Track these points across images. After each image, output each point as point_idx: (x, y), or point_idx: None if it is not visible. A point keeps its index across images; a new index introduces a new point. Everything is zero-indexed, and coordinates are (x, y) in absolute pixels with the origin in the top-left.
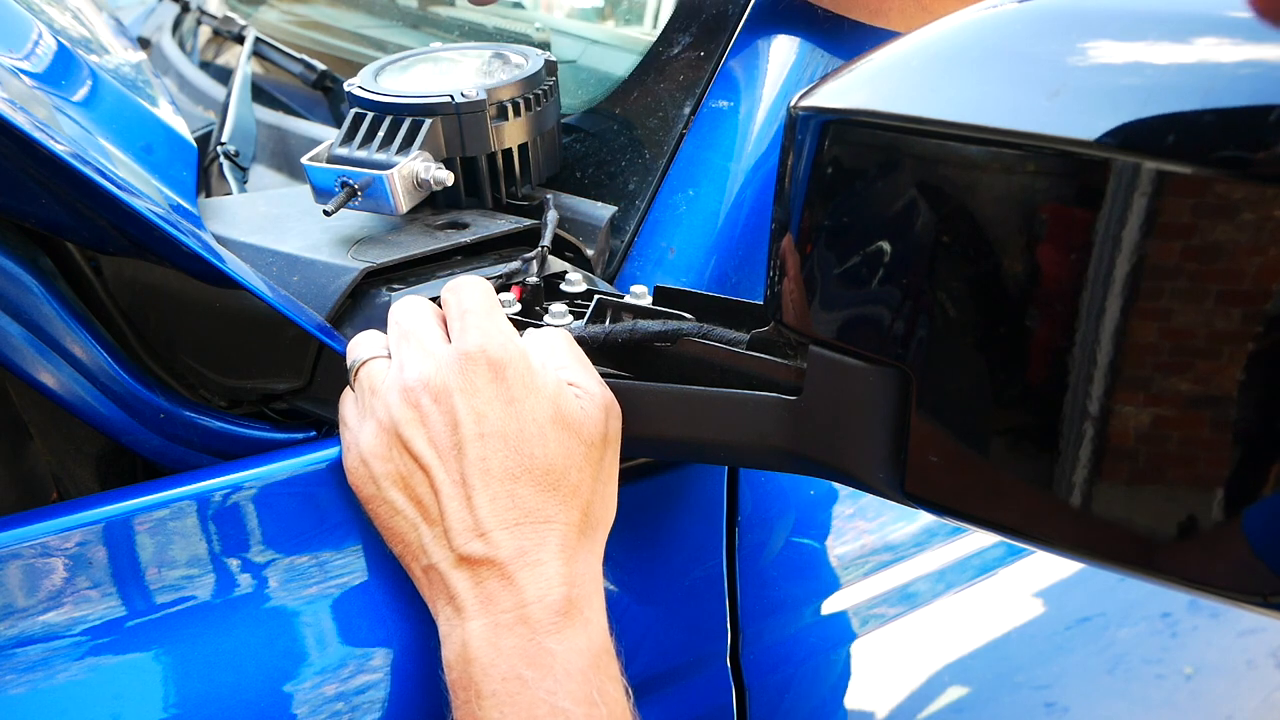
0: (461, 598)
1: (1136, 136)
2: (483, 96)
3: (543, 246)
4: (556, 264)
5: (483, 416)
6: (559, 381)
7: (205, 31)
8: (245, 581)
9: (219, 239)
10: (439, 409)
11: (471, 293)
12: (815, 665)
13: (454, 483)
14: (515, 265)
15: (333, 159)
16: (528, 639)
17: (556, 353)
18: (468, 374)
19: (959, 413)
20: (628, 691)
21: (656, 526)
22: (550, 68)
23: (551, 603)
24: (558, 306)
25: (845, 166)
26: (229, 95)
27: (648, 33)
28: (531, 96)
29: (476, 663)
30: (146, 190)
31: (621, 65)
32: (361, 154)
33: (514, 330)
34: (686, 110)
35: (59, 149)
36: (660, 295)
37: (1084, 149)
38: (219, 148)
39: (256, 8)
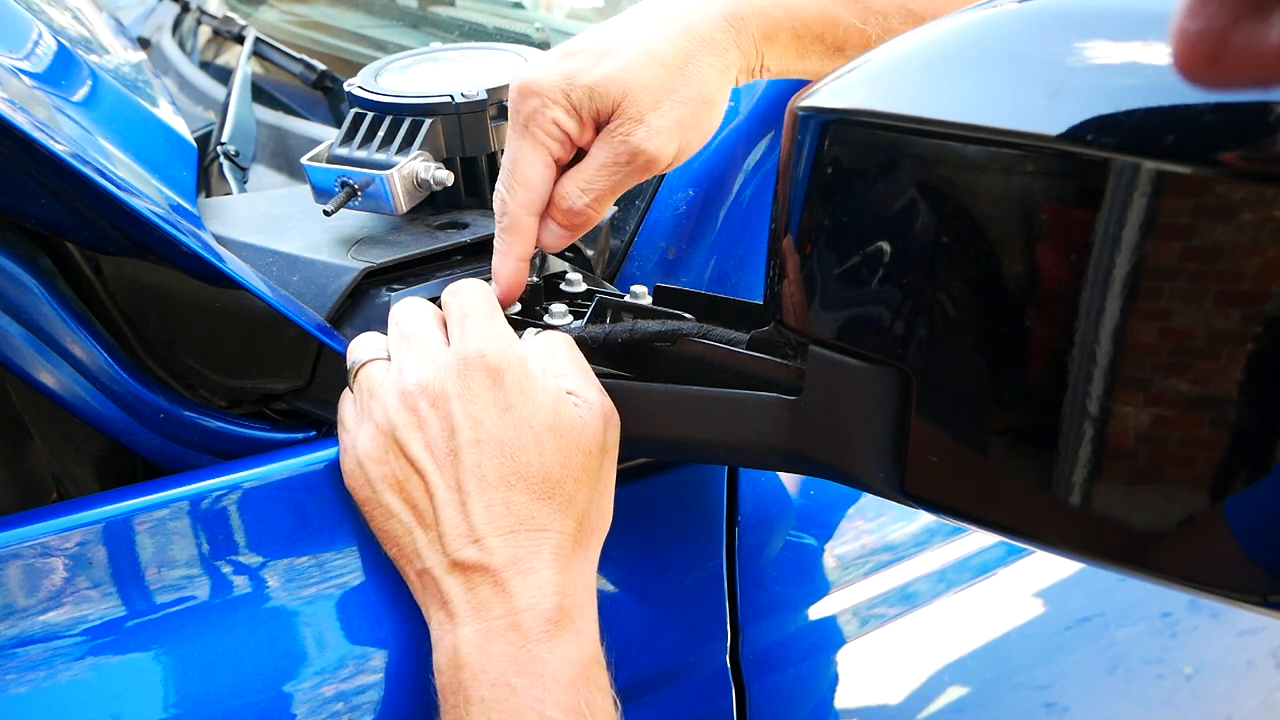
0: (454, 603)
1: (1136, 136)
2: (483, 96)
3: None
4: (556, 264)
5: (480, 423)
6: (558, 389)
7: (205, 31)
8: (244, 582)
9: (219, 239)
10: (436, 414)
11: (472, 296)
12: (815, 665)
13: (449, 488)
14: None
15: (333, 159)
16: (518, 646)
17: (556, 359)
18: (466, 379)
19: (959, 413)
20: (616, 703)
21: (656, 526)
22: None
23: (543, 611)
24: (558, 306)
25: (845, 166)
26: (229, 95)
27: None
28: None
29: (466, 668)
30: (146, 190)
31: None
32: (361, 154)
33: (514, 335)
34: None
35: (59, 149)
36: (660, 295)
37: (1084, 149)
38: (219, 148)
39: (256, 8)
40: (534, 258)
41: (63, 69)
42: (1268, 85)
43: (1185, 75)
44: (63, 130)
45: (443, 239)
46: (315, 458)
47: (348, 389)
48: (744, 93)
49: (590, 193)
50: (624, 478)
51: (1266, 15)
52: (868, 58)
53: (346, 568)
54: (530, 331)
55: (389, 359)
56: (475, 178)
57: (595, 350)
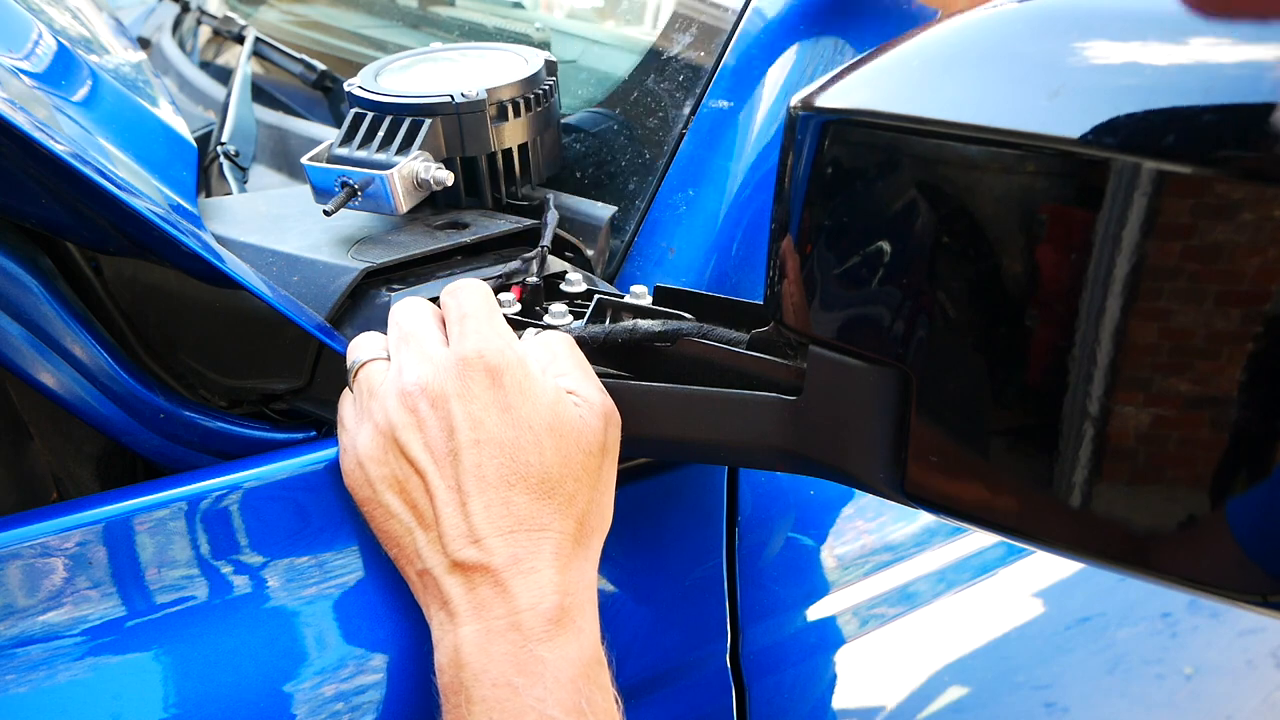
0: (454, 603)
1: (1136, 136)
2: (483, 96)
3: (543, 246)
4: (556, 264)
5: (479, 423)
6: (557, 389)
7: (205, 31)
8: (244, 581)
9: (219, 239)
10: (436, 414)
11: (470, 296)
12: (815, 665)
13: (449, 488)
14: (515, 265)
15: (333, 159)
16: (519, 646)
17: (557, 359)
18: (465, 379)
19: (959, 413)
20: (618, 701)
21: (656, 526)
22: (550, 68)
23: (544, 610)
24: (558, 306)
25: (845, 167)
26: (229, 95)
27: (648, 33)
28: (531, 96)
29: (467, 668)
30: (146, 190)
31: (621, 65)
32: (361, 154)
33: (513, 335)
34: (686, 110)
35: (59, 149)
36: (660, 295)
37: (1084, 149)
38: (219, 148)
39: (256, 8)
40: (534, 257)
41: (63, 69)
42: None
43: (1193, 6)
44: (63, 130)
45: (443, 239)
46: (315, 458)
47: (348, 389)
48: (744, 92)
49: None
50: (624, 478)
51: None
52: (868, 58)
53: (346, 568)
54: (530, 331)
55: (389, 359)
56: (475, 178)
57: (595, 350)
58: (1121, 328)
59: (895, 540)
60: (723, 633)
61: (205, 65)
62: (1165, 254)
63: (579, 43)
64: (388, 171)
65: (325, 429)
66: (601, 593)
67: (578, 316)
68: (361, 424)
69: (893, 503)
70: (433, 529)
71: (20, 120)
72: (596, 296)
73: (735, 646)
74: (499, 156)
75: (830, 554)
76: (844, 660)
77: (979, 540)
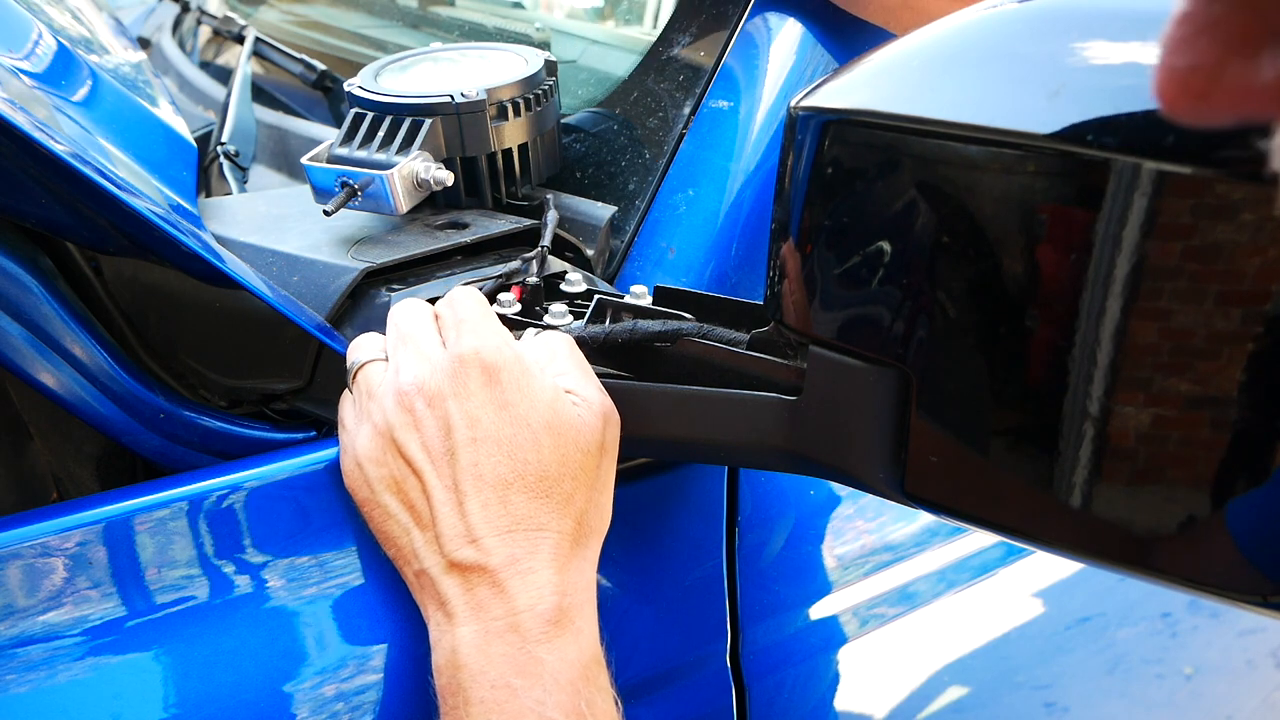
0: (452, 603)
1: (1136, 136)
2: (483, 96)
3: (543, 246)
4: (556, 264)
5: (476, 421)
6: (555, 388)
7: (205, 31)
8: (245, 581)
9: (219, 239)
10: (433, 413)
11: (466, 301)
12: (815, 665)
13: (446, 488)
14: (515, 265)
15: (333, 159)
16: (518, 647)
17: (556, 358)
18: (461, 378)
19: (959, 413)
20: (617, 703)
21: (656, 526)
22: (550, 68)
23: (542, 611)
24: (558, 306)
25: (845, 166)
26: (229, 95)
27: (648, 33)
28: (531, 96)
29: (465, 669)
30: (146, 190)
31: (621, 65)
32: (361, 154)
33: (510, 336)
34: (686, 110)
35: (59, 149)
36: (660, 295)
37: (1084, 149)
38: (219, 148)
39: (256, 8)
40: (534, 257)
41: (63, 69)
42: (1257, 120)
43: (1171, 112)
44: (63, 130)
45: (443, 239)
46: (315, 458)
47: (348, 390)
48: (744, 92)
49: None
50: (624, 478)
51: (1257, 51)
52: (868, 58)
53: (346, 568)
54: (530, 332)
55: (388, 360)
56: (475, 178)
57: (595, 350)
58: (1122, 328)
59: (895, 540)
60: (723, 633)
61: (205, 65)
62: (1165, 254)
63: (579, 43)
64: (388, 171)
65: (325, 429)
66: (601, 593)
67: (578, 316)
68: (360, 425)
69: (893, 503)
70: (430, 529)
71: (20, 120)
72: (596, 296)
73: (735, 646)
74: (499, 156)
75: (830, 554)
76: (844, 660)
77: (979, 540)
